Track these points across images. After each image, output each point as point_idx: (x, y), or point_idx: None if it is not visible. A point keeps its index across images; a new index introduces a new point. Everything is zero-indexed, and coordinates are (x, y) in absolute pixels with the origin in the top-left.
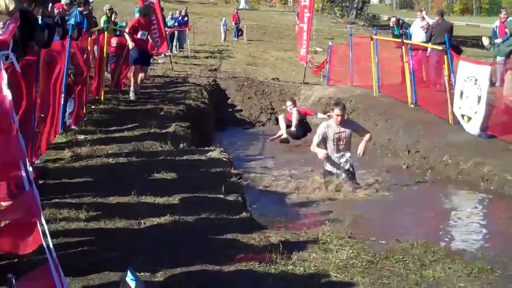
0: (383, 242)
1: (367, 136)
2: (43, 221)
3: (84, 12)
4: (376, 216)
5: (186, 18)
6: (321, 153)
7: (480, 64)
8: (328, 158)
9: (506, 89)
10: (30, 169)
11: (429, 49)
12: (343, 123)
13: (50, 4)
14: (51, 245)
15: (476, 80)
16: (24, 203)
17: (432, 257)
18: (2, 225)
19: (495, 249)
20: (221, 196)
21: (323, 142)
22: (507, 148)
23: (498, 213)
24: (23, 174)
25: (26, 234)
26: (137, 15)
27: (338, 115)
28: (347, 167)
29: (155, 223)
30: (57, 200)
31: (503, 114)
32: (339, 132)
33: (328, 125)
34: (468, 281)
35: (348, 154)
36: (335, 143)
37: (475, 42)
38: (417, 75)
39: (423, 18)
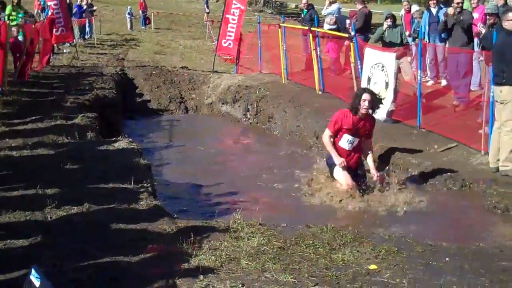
0: (294, 228)
1: None
2: None
3: None
4: (287, 203)
5: (91, 7)
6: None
7: (386, 51)
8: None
9: (405, 74)
10: None
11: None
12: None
13: None
14: None
15: (383, 66)
16: None
17: (341, 241)
18: None
19: (401, 231)
20: (130, 186)
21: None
22: (411, 133)
23: (404, 195)
24: None
25: None
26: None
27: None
28: None
29: (63, 216)
30: None
31: (406, 99)
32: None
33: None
34: (376, 263)
35: None
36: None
37: None
38: (336, 65)
39: (330, 4)
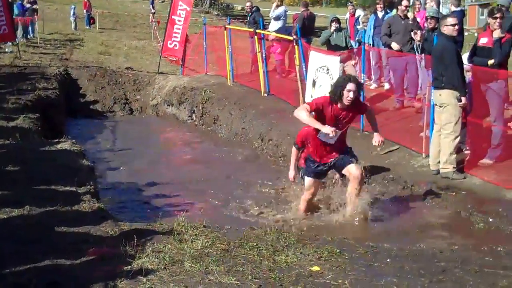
0: (238, 230)
1: None
2: None
3: None
4: (231, 205)
5: (34, 6)
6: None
7: (330, 54)
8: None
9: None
10: None
11: None
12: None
13: None
14: None
15: (328, 69)
16: None
17: (284, 243)
18: None
19: (343, 233)
20: (73, 188)
21: None
22: (355, 135)
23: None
24: None
25: None
26: None
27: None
28: None
29: (3, 219)
30: None
31: None
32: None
33: None
34: (319, 264)
35: None
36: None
37: None
38: (281, 67)
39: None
